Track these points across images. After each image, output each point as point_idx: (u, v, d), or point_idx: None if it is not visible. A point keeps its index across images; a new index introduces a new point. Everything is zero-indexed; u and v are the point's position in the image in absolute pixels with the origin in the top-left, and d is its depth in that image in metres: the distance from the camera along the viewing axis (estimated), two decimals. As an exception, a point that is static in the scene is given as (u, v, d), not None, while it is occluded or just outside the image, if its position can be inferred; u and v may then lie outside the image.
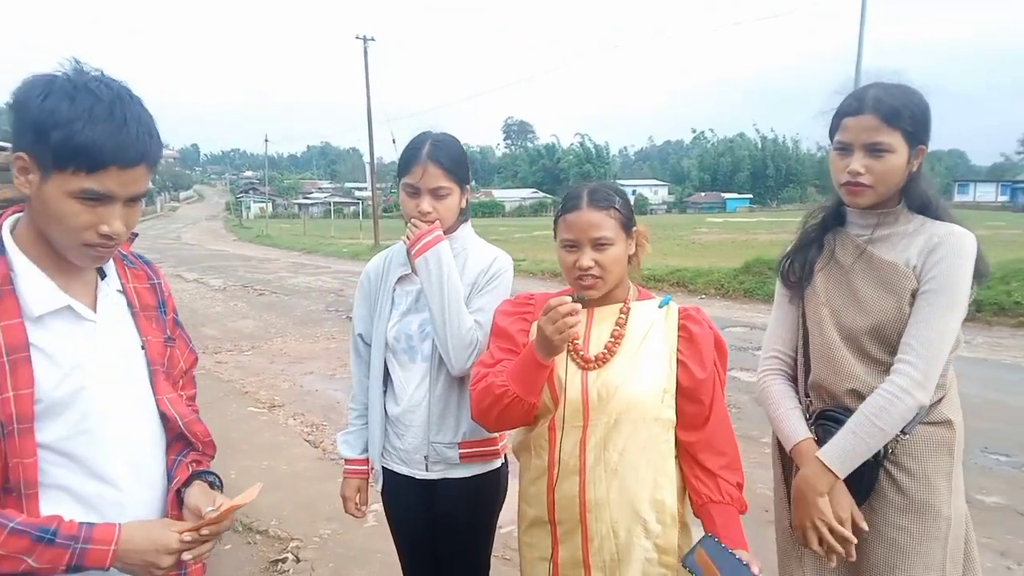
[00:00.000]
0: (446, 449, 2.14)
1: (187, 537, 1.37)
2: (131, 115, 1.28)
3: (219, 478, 1.57)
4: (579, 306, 1.63)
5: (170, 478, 1.52)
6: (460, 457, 2.15)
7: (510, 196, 79.95)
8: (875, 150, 1.78)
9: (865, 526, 1.80)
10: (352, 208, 66.42)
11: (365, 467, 2.30)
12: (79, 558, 1.29)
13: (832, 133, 1.87)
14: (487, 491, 2.23)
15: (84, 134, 1.22)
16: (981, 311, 10.13)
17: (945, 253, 1.77)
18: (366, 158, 38.59)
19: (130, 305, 1.50)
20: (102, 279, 1.46)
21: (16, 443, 1.29)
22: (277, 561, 3.86)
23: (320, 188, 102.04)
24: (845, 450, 1.78)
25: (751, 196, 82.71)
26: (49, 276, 1.35)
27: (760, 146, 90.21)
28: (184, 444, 1.57)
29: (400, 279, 2.22)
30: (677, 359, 1.78)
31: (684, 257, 18.31)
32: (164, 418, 1.52)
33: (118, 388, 1.42)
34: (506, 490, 2.31)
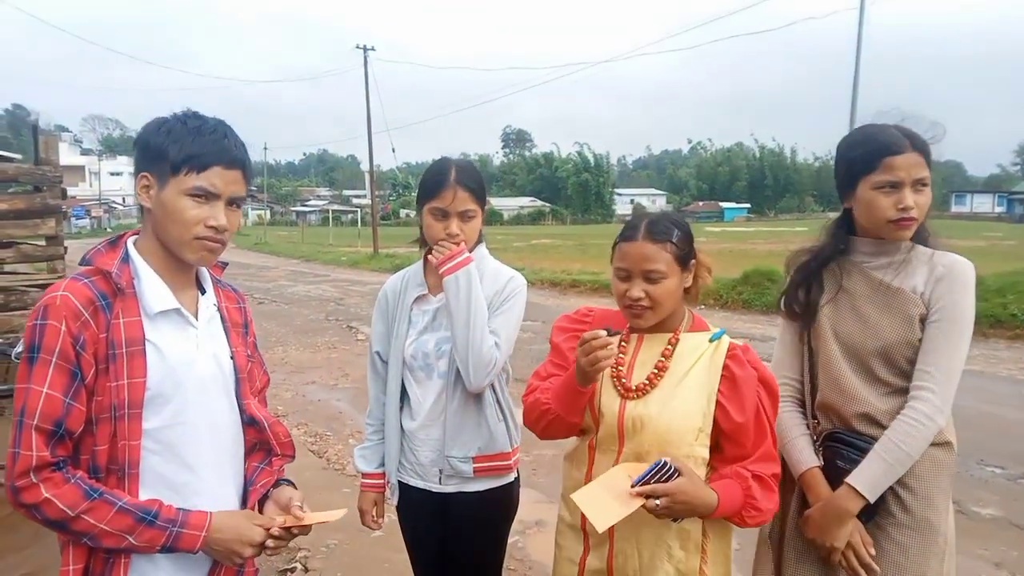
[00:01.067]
0: (460, 464, 2.21)
1: (276, 532, 1.58)
2: (230, 132, 1.58)
3: (295, 486, 1.76)
4: (613, 340, 1.68)
5: (249, 483, 1.69)
6: (474, 472, 2.22)
7: (508, 205, 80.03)
8: (921, 185, 1.87)
9: (872, 551, 1.88)
10: (350, 216, 66.42)
11: (381, 481, 2.37)
12: (174, 540, 1.48)
13: (861, 173, 1.89)
14: (499, 505, 2.30)
15: (195, 144, 1.51)
16: (977, 323, 10.16)
17: (952, 283, 1.88)
18: (364, 166, 38.70)
19: (223, 320, 1.70)
20: (202, 294, 1.67)
21: (125, 426, 1.47)
22: (286, 571, 3.91)
23: (318, 195, 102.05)
24: (876, 475, 1.85)
25: (749, 206, 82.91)
26: (164, 283, 1.57)
27: (758, 156, 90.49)
28: (264, 453, 1.74)
29: (417, 299, 2.30)
30: (717, 400, 1.77)
31: (682, 267, 18.32)
32: (251, 420, 1.69)
33: (211, 390, 1.61)
34: (517, 504, 2.38)
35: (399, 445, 2.31)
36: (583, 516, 1.85)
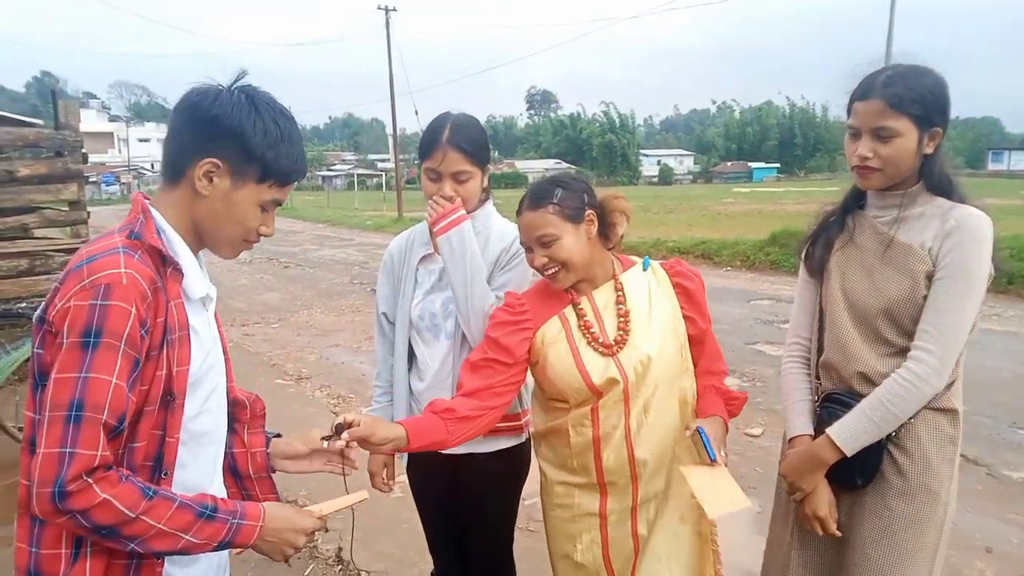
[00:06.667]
0: (471, 425, 2.17)
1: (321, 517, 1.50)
2: (301, 137, 1.48)
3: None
4: (340, 441, 1.62)
5: (227, 453, 1.63)
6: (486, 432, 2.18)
7: (533, 167, 79.31)
8: (881, 135, 1.77)
9: (836, 528, 1.88)
10: (375, 180, 66.47)
11: (391, 443, 2.33)
12: (233, 534, 1.34)
13: (848, 116, 1.87)
14: (511, 465, 2.27)
15: (288, 156, 1.42)
16: (1012, 283, 9.92)
17: (962, 238, 1.74)
18: (389, 129, 38.47)
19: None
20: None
21: (166, 417, 1.34)
22: (306, 530, 3.93)
23: (343, 160, 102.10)
24: (857, 431, 1.79)
25: (778, 165, 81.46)
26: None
27: (788, 114, 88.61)
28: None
29: (423, 258, 2.24)
30: (683, 315, 1.95)
31: (710, 228, 18.11)
32: (234, 402, 1.64)
33: (219, 371, 1.54)
34: (529, 463, 2.34)
35: (408, 407, 2.27)
36: (598, 474, 1.92)
